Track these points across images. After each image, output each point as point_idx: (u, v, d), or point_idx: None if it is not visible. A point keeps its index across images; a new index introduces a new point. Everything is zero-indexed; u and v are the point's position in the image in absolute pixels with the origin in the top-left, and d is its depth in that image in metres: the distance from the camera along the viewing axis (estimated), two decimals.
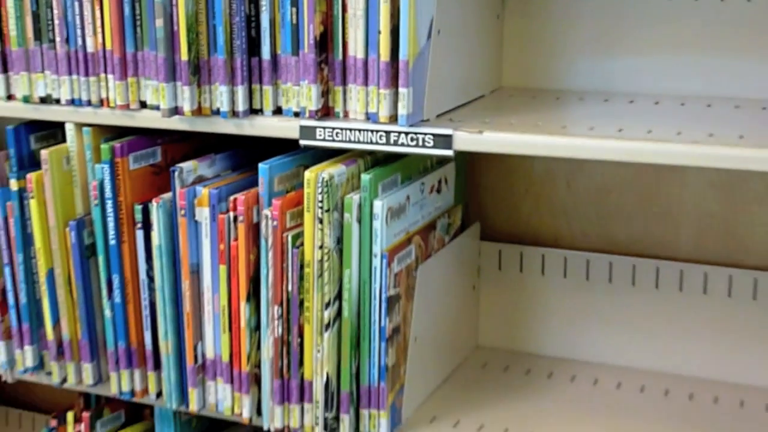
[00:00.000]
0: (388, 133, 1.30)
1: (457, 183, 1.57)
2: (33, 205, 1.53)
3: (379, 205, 1.31)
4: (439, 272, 1.50)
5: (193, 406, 1.50)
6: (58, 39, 1.47)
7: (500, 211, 1.68)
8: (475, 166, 1.66)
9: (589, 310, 1.63)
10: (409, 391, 1.44)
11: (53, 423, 1.74)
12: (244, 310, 1.42)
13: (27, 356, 1.63)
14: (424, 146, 1.28)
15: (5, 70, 1.54)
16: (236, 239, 1.40)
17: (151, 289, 1.51)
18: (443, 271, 1.53)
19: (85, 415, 1.67)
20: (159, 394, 1.56)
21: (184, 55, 1.36)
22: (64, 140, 1.53)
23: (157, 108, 1.43)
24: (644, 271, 1.58)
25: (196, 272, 1.46)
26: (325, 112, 1.35)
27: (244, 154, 1.55)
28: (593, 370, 1.61)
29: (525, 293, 1.67)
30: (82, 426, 1.67)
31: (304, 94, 1.33)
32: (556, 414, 1.48)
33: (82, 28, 1.45)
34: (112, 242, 1.49)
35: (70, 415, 1.70)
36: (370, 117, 1.32)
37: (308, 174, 1.32)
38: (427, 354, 1.49)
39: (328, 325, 1.36)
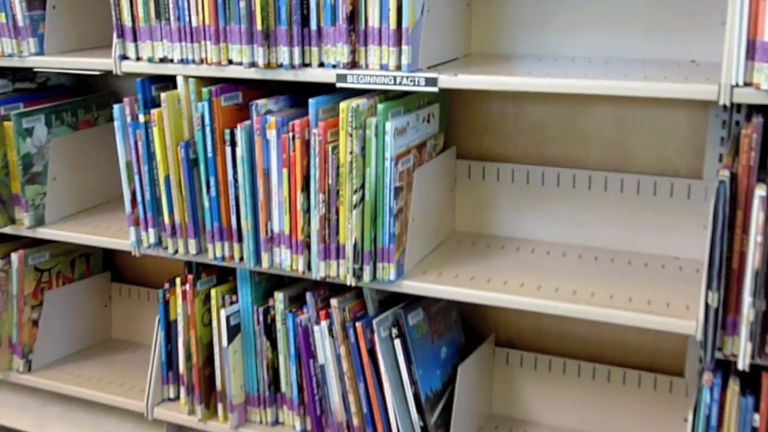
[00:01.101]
0: (395, 77, 1.40)
1: (441, 117, 1.64)
2: (155, 131, 1.59)
3: (389, 125, 1.41)
4: (428, 176, 1.58)
5: (265, 265, 1.57)
6: (171, 18, 1.55)
7: (469, 139, 1.72)
8: (453, 107, 1.70)
9: (528, 205, 1.69)
10: (408, 253, 1.52)
11: (166, 285, 1.77)
12: (299, 198, 1.50)
13: (150, 236, 1.68)
14: (418, 85, 1.38)
15: (135, 40, 1.60)
16: (294, 151, 1.48)
17: (236, 187, 1.56)
18: (431, 176, 1.59)
19: (189, 277, 1.72)
20: (241, 259, 1.62)
21: (258, 26, 1.45)
22: (175, 88, 1.59)
23: (240, 64, 1.51)
24: (565, 177, 1.64)
25: (266, 174, 1.52)
26: (353, 64, 1.44)
27: (298, 95, 1.61)
28: (531, 243, 1.68)
29: (486, 194, 1.72)
30: (187, 286, 1.71)
31: (339, 52, 1.43)
32: (506, 269, 1.55)
33: (188, 10, 1.52)
34: (210, 155, 1.56)
35: (178, 280, 1.74)
36: (383, 67, 1.42)
37: (342, 105, 1.42)
38: (421, 230, 1.57)
39: (355, 206, 1.45)
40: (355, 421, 1.62)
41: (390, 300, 1.63)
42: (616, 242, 1.64)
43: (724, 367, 1.35)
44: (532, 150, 1.69)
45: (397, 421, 1.56)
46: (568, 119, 1.64)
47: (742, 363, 1.26)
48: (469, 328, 1.77)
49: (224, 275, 1.77)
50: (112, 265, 2.19)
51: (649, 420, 1.66)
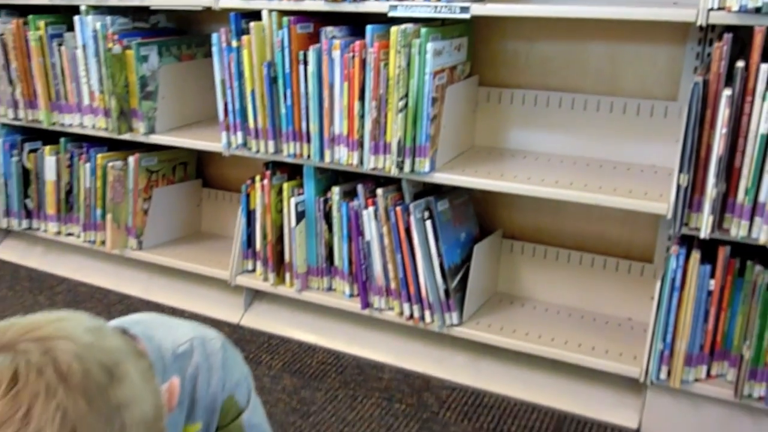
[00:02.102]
0: (435, 6, 1.40)
1: (468, 49, 1.61)
2: (244, 54, 1.59)
3: (430, 46, 1.40)
4: (457, 93, 1.56)
5: (327, 160, 1.58)
6: None
7: (489, 70, 1.69)
8: (477, 44, 1.65)
9: (535, 123, 1.66)
10: (439, 152, 1.52)
11: (248, 182, 1.76)
12: (356, 105, 1.50)
13: (238, 138, 1.68)
14: (454, 12, 1.38)
15: None
16: (353, 67, 1.48)
17: (306, 98, 1.54)
18: (459, 94, 1.58)
19: (267, 173, 1.72)
20: (308, 156, 1.62)
21: None
22: (260, 19, 1.57)
23: None
24: (565, 100, 1.61)
25: (331, 86, 1.52)
26: None
27: (357, 26, 1.57)
28: (536, 154, 1.65)
29: (501, 115, 1.69)
30: (265, 181, 1.72)
31: None
32: (516, 169, 1.53)
33: None
34: (287, 72, 1.56)
35: (257, 177, 1.74)
36: None
37: (393, 29, 1.42)
38: (449, 135, 1.56)
39: (400, 110, 1.45)
40: (393, 285, 1.63)
41: (422, 193, 1.63)
42: (604, 152, 1.61)
43: (689, 242, 1.35)
44: (539, 79, 1.66)
45: (426, 284, 1.58)
46: (569, 54, 1.62)
47: (704, 233, 1.25)
48: (481, 223, 1.77)
49: (293, 174, 1.77)
50: (203, 173, 2.20)
51: (623, 297, 1.66)
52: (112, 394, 0.58)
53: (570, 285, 1.71)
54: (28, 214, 2.19)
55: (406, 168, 1.50)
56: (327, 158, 1.59)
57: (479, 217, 1.76)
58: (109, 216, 1.99)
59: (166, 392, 0.69)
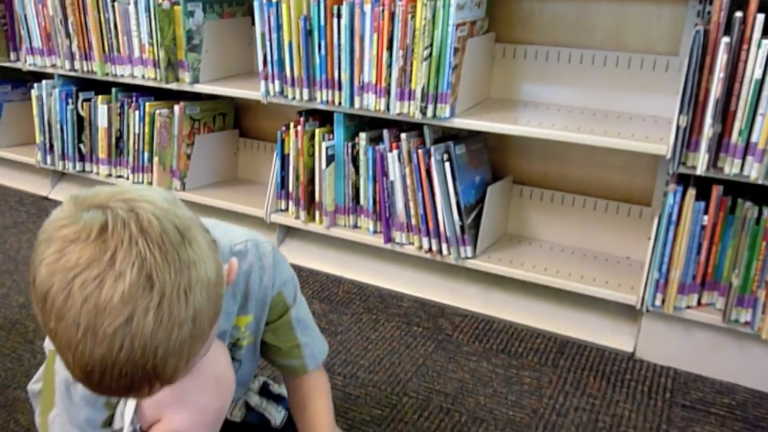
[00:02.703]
0: None
1: (487, 7, 1.62)
2: (283, 8, 1.62)
3: (453, 1, 1.43)
4: (476, 46, 1.58)
5: (356, 106, 1.60)
6: None
7: (505, 27, 1.70)
8: (494, 4, 1.66)
9: (546, 77, 1.67)
10: (459, 100, 1.54)
11: (283, 128, 1.79)
12: (384, 55, 1.53)
13: (276, 86, 1.71)
14: None
15: None
16: (383, 20, 1.50)
17: (339, 48, 1.58)
18: (478, 47, 1.59)
19: (301, 120, 1.75)
20: (339, 104, 1.65)
21: None
22: None
23: None
24: (575, 56, 1.62)
25: (362, 37, 1.54)
26: None
27: None
28: (547, 105, 1.66)
29: (515, 69, 1.70)
30: (299, 127, 1.75)
31: None
32: (528, 117, 1.55)
33: None
34: (321, 25, 1.58)
35: (291, 124, 1.77)
36: None
37: None
38: (468, 85, 1.58)
39: (425, 59, 1.47)
40: (413, 221, 1.67)
41: (441, 139, 1.65)
42: (610, 104, 1.63)
43: (685, 181, 1.38)
44: (550, 36, 1.67)
45: (443, 220, 1.62)
46: (578, 13, 1.63)
47: (700, 170, 1.28)
48: (494, 169, 1.80)
49: (324, 122, 1.79)
50: (239, 124, 2.23)
51: (623, 238, 1.69)
52: (182, 252, 0.63)
53: (574, 227, 1.74)
54: (82, 158, 2.24)
55: (429, 113, 1.53)
56: (356, 104, 1.61)
57: (492, 165, 1.79)
58: (155, 159, 2.04)
59: (226, 268, 0.74)
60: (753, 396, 1.40)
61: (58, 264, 0.61)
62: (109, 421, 0.85)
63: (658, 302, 1.42)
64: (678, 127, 1.26)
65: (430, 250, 1.66)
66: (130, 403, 0.83)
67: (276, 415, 1.03)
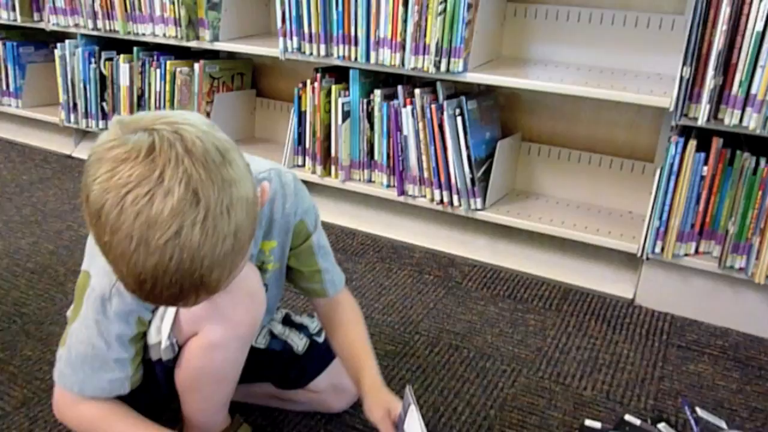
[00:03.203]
0: None
1: None
2: None
3: None
4: (488, 3, 1.61)
5: (372, 61, 1.64)
6: None
7: None
8: None
9: (555, 35, 1.70)
10: (471, 55, 1.58)
11: (300, 85, 1.83)
12: (400, 10, 1.57)
13: (294, 43, 1.75)
14: None
15: None
16: None
17: (356, 4, 1.61)
18: (489, 4, 1.62)
19: (318, 76, 1.80)
20: (356, 59, 1.68)
21: None
22: None
23: None
24: (583, 14, 1.65)
25: None
26: None
27: None
28: (556, 62, 1.70)
29: (526, 27, 1.73)
30: (316, 84, 1.79)
31: None
32: (538, 73, 1.58)
33: None
34: None
35: (308, 81, 1.81)
36: None
37: None
38: (480, 41, 1.61)
39: (439, 14, 1.51)
40: (426, 174, 1.73)
41: (453, 95, 1.70)
42: (617, 62, 1.67)
43: (687, 134, 1.43)
44: None
45: (455, 173, 1.67)
46: None
47: (701, 120, 1.33)
48: (503, 127, 1.84)
49: (341, 79, 1.83)
50: (257, 84, 2.27)
51: (626, 193, 1.74)
52: (224, 171, 0.68)
53: (580, 182, 1.79)
54: (104, 116, 2.30)
55: (443, 68, 1.57)
56: (372, 59, 1.66)
57: (502, 123, 1.84)
58: None
59: (259, 190, 0.79)
60: (745, 339, 1.46)
61: (111, 182, 0.65)
62: (139, 338, 0.89)
63: (657, 249, 1.48)
64: (681, 78, 1.31)
65: (441, 201, 1.72)
66: (167, 319, 0.88)
67: (298, 342, 1.09)
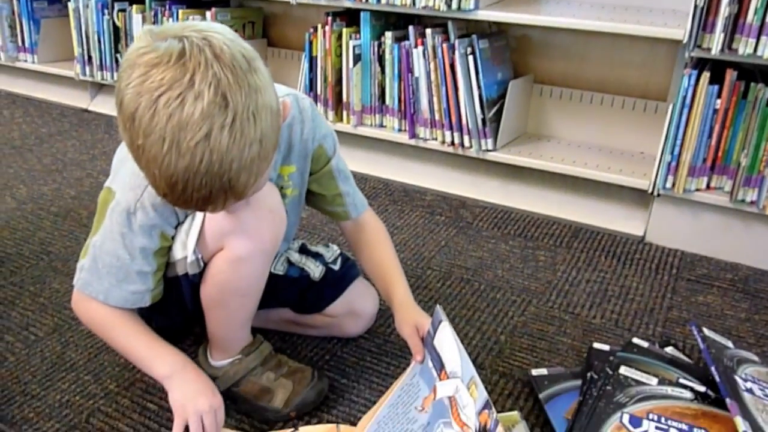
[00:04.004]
0: None
1: None
2: None
3: None
4: None
5: (384, 1, 1.64)
6: None
7: None
8: None
9: (563, 7, 1.74)
10: None
11: (311, 30, 1.80)
12: None
13: None
14: None
15: None
16: None
17: None
18: None
19: (329, 19, 1.77)
20: (366, 0, 1.68)
21: None
22: None
23: None
24: None
25: None
26: None
27: None
28: (571, 0, 1.70)
29: None
30: (327, 28, 1.78)
31: None
32: (550, 10, 1.57)
33: None
34: None
35: (319, 25, 1.78)
36: None
37: None
38: None
39: None
40: (437, 116, 1.73)
41: (465, 36, 1.68)
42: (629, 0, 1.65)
43: (700, 67, 1.41)
44: None
45: (466, 113, 1.67)
46: None
47: (715, 50, 1.31)
48: (515, 69, 1.83)
49: (351, 22, 1.82)
50: (267, 33, 2.26)
51: (639, 133, 1.73)
52: (250, 77, 0.70)
53: (592, 124, 1.78)
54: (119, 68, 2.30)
55: (454, 5, 1.56)
56: (383, 0, 1.64)
57: (513, 65, 1.83)
58: None
59: (281, 105, 0.80)
60: (755, 273, 1.47)
61: (143, 86, 0.67)
62: (162, 253, 0.91)
63: (668, 185, 1.48)
64: (696, 7, 1.29)
65: (452, 143, 1.72)
66: (192, 234, 0.90)
67: (314, 269, 1.11)
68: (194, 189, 0.70)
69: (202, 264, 0.93)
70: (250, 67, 0.70)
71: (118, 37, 2.25)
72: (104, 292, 0.90)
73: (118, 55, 2.29)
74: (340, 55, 1.83)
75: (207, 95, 0.66)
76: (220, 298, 0.94)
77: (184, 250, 0.91)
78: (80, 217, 1.65)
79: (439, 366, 0.86)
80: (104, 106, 2.47)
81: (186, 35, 0.69)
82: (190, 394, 0.86)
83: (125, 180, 0.87)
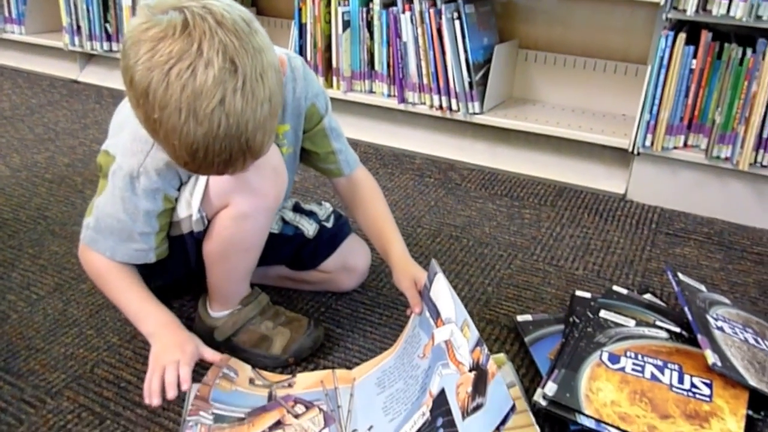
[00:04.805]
0: None
1: None
2: None
3: None
4: None
5: None
6: None
7: None
8: None
9: None
10: None
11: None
12: None
13: None
14: None
15: None
16: None
17: None
18: None
19: None
20: None
21: None
22: None
23: None
24: None
25: None
26: None
27: None
28: None
29: None
30: None
31: None
32: None
33: None
34: None
35: None
36: None
37: None
38: None
39: None
40: (425, 81, 1.76)
41: (451, 1, 1.71)
42: None
43: (677, 29, 1.46)
44: None
45: (453, 77, 1.71)
46: None
47: (690, 11, 1.36)
48: (500, 34, 1.86)
49: None
50: (256, 2, 2.28)
51: (620, 96, 1.78)
52: (253, 39, 0.72)
53: (575, 88, 1.83)
54: (109, 38, 2.31)
55: None
56: None
57: (499, 30, 1.86)
58: None
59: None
60: (730, 226, 1.53)
61: (153, 60, 0.68)
62: (165, 215, 0.94)
63: (647, 143, 1.53)
64: None
65: (440, 107, 1.76)
66: (197, 193, 0.93)
67: (308, 227, 1.15)
68: (215, 154, 0.72)
69: (206, 222, 0.96)
70: (251, 29, 0.72)
71: (107, 6, 2.25)
72: (110, 249, 0.93)
73: (107, 25, 2.29)
74: (329, 21, 1.85)
75: (216, 62, 0.68)
76: (223, 253, 0.98)
77: (188, 209, 0.94)
78: (75, 184, 1.68)
79: (436, 315, 0.91)
80: (94, 76, 2.47)
81: (185, 5, 0.70)
82: (166, 348, 0.89)
83: (126, 145, 0.89)
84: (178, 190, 0.93)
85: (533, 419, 0.88)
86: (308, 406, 0.87)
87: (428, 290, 0.95)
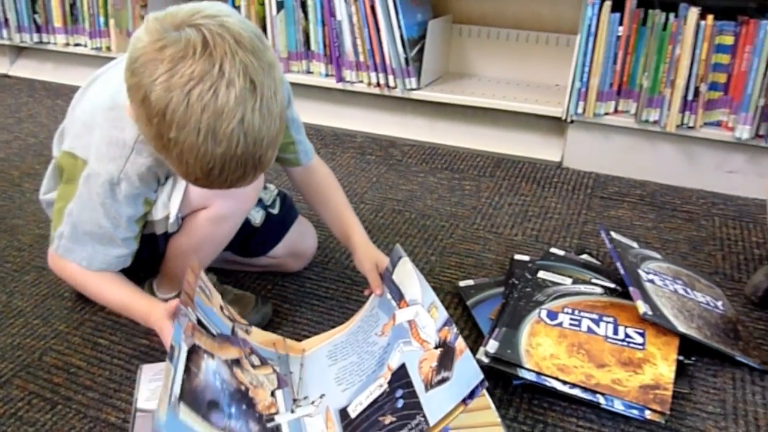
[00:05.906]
0: None
1: None
2: None
3: None
4: None
5: None
6: None
7: None
8: None
9: None
10: None
11: None
12: None
13: None
14: None
15: None
16: None
17: None
18: None
19: None
20: None
21: None
22: None
23: None
24: None
25: None
26: None
27: None
28: None
29: None
30: None
31: None
32: None
33: None
34: None
35: None
36: None
37: None
38: None
39: None
40: (362, 59, 1.75)
41: None
42: None
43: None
44: None
45: (389, 54, 1.70)
46: None
47: None
48: (434, 10, 1.84)
49: None
50: None
51: (553, 66, 1.79)
52: (266, 55, 0.71)
53: (510, 60, 1.84)
54: (38, 29, 2.21)
55: None
56: None
57: (433, 6, 1.85)
58: (111, 22, 2.04)
59: None
60: (661, 187, 1.57)
61: (172, 81, 0.67)
62: (144, 217, 0.92)
63: (580, 110, 1.56)
64: None
65: (378, 84, 1.75)
66: (176, 196, 0.92)
67: (255, 215, 1.11)
68: (230, 171, 0.71)
69: (180, 222, 0.95)
70: (264, 45, 0.71)
71: None
72: (87, 258, 0.90)
73: (36, 16, 2.19)
74: (263, 3, 1.81)
75: (238, 83, 0.67)
76: (195, 249, 0.97)
77: (165, 210, 0.92)
78: (12, 178, 1.61)
79: (399, 296, 0.91)
80: (25, 70, 2.37)
81: (200, 23, 0.68)
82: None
83: (100, 150, 0.85)
84: (155, 191, 0.92)
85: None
86: (263, 361, 0.87)
87: (390, 273, 0.95)
